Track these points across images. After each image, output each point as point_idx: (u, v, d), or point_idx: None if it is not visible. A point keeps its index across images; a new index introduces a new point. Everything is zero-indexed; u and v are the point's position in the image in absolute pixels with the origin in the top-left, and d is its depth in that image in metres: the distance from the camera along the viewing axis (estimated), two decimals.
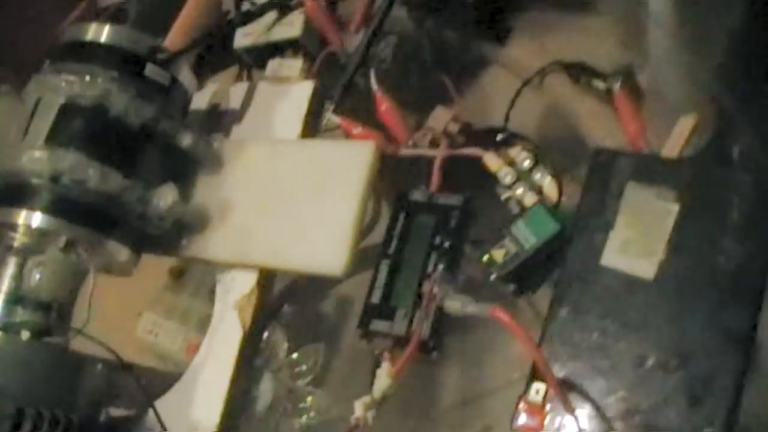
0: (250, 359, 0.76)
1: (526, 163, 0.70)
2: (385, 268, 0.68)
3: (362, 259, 0.70)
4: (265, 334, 0.79)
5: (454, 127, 0.74)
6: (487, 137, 0.73)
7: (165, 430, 0.68)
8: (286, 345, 0.79)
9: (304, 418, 0.75)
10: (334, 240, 0.70)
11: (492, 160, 0.71)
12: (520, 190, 0.70)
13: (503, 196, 0.71)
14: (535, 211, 0.65)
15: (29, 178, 0.69)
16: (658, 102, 0.74)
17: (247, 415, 0.76)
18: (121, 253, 0.72)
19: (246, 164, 0.78)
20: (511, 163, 0.71)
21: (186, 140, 0.76)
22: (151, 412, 0.73)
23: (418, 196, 0.71)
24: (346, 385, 0.74)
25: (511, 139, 0.72)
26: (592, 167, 0.60)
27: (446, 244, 0.68)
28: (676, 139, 0.65)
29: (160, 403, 0.74)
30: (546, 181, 0.69)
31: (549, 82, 0.75)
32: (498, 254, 0.64)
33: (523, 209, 0.69)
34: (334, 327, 0.79)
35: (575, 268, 0.57)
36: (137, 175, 0.72)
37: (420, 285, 0.67)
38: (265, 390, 0.77)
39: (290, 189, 0.75)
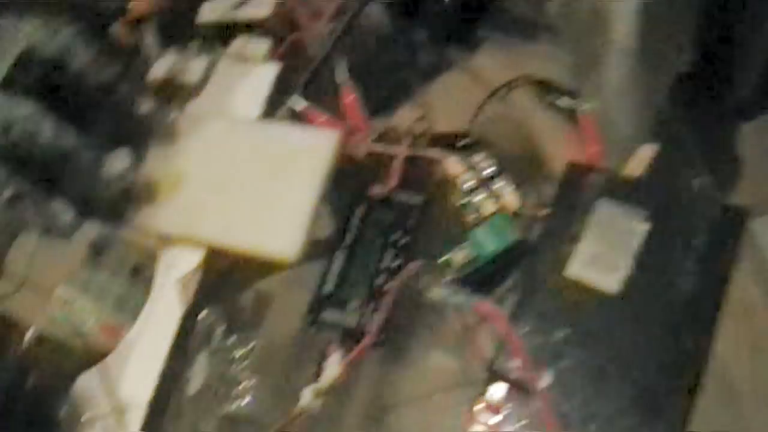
0: (185, 339, 0.74)
1: (488, 171, 0.71)
2: (340, 259, 0.68)
3: (312, 250, 0.69)
4: (202, 315, 0.77)
5: (418, 128, 0.75)
6: (449, 142, 0.74)
7: None
8: (222, 328, 0.78)
9: (236, 404, 0.73)
10: (288, 224, 0.69)
11: (453, 165, 0.72)
12: (478, 198, 0.70)
13: (460, 202, 0.71)
14: (497, 219, 0.66)
15: None
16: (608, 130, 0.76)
17: (178, 396, 0.74)
18: (66, 214, 0.69)
19: (202, 139, 0.76)
20: (473, 170, 0.72)
21: (144, 107, 0.73)
22: (77, 384, 0.71)
23: (377, 191, 0.72)
24: (283, 374, 0.72)
25: (475, 146, 0.73)
26: (563, 180, 0.62)
27: (402, 241, 0.68)
28: (638, 163, 0.68)
29: (89, 376, 0.72)
30: (507, 191, 0.70)
31: (515, 96, 0.76)
32: (457, 257, 0.64)
33: (479, 217, 0.70)
34: (274, 314, 0.77)
35: (540, 276, 0.58)
36: (92, 135, 0.70)
37: (373, 279, 0.67)
38: (198, 372, 0.75)
39: (247, 169, 0.73)
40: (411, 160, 0.74)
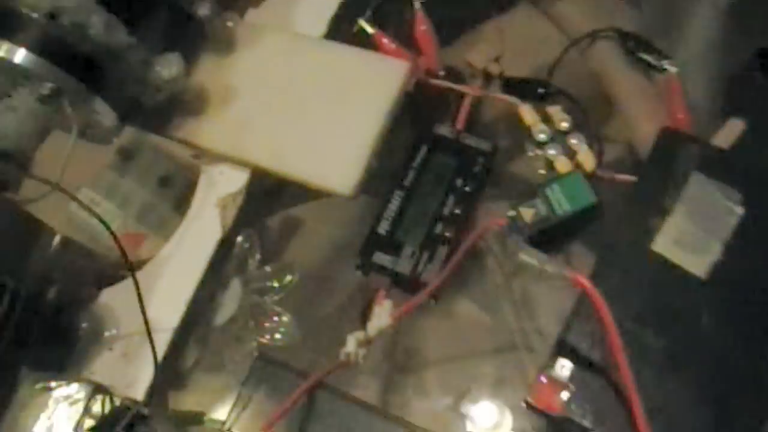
0: (220, 264, 0.70)
1: (564, 125, 0.66)
2: (398, 200, 0.63)
3: (369, 185, 0.64)
4: (240, 239, 0.72)
5: (494, 68, 0.70)
6: (524, 88, 0.68)
7: (146, 323, 0.60)
8: (258, 256, 0.73)
9: (267, 337, 0.69)
10: (346, 157, 0.64)
11: (528, 113, 0.67)
12: (552, 151, 0.66)
13: (532, 153, 0.67)
14: (573, 178, 0.61)
15: (22, 7, 0.60)
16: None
17: (207, 322, 0.70)
18: (108, 116, 0.64)
19: (261, 53, 0.70)
20: (547, 121, 0.67)
21: (202, 10, 0.68)
22: (101, 298, 0.67)
23: (444, 131, 0.67)
24: (317, 315, 0.69)
25: (553, 96, 0.67)
26: (656, 146, 0.57)
27: (467, 188, 0.64)
28: (725, 137, 0.62)
29: (114, 292, 0.68)
30: (582, 149, 0.65)
31: (598, 48, 0.70)
32: (526, 212, 0.60)
33: (552, 171, 0.65)
34: (317, 251, 0.73)
35: (622, 246, 0.53)
36: (143, 35, 0.64)
37: (431, 225, 0.62)
38: (231, 299, 0.71)
39: (305, 91, 0.68)
40: (482, 102, 0.69)
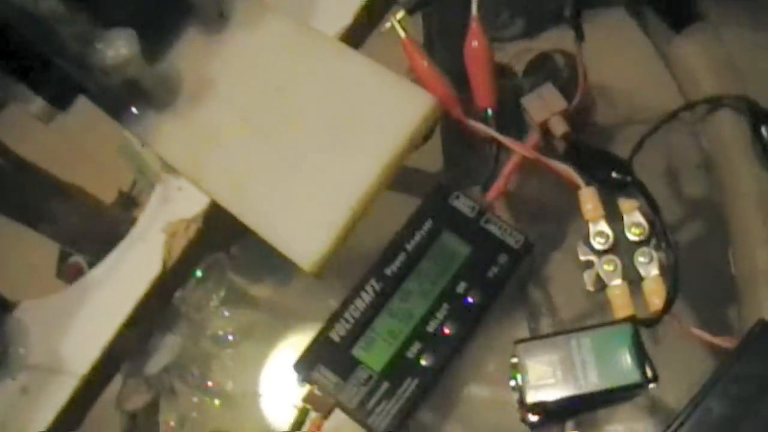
0: (158, 302, 0.55)
1: (636, 233, 0.45)
2: (370, 295, 0.45)
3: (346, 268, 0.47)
4: (198, 273, 0.57)
5: (558, 125, 0.49)
6: (596, 164, 0.47)
7: None
8: (222, 294, 0.58)
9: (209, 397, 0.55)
10: (320, 214, 0.47)
11: (590, 200, 0.47)
12: (608, 268, 0.45)
13: (582, 256, 0.46)
14: (622, 333, 0.41)
15: None
16: None
17: (134, 368, 0.56)
18: (33, 103, 0.49)
19: (257, 44, 0.52)
20: (613, 220, 0.46)
21: None
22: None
23: (461, 205, 0.47)
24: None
25: (630, 187, 0.46)
26: (751, 333, 0.36)
27: (470, 299, 0.45)
28: None
29: (35, 306, 0.54)
30: (652, 275, 0.44)
31: (716, 122, 0.48)
32: (534, 370, 0.40)
33: (600, 292, 0.46)
34: (291, 288, 0.57)
35: None
36: (89, 4, 0.48)
37: (406, 344, 0.44)
38: (169, 346, 0.56)
39: (295, 108, 0.50)
40: (526, 170, 0.49)
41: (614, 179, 0.47)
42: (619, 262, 0.45)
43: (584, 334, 0.40)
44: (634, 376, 0.39)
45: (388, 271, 0.46)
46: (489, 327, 0.45)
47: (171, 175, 0.55)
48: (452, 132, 0.54)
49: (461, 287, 0.45)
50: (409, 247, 0.46)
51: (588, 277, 0.46)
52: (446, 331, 0.45)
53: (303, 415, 0.45)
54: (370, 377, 0.44)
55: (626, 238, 0.46)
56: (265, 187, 0.49)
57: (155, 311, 0.55)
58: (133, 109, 0.53)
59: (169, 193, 0.55)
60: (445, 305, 0.45)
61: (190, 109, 0.52)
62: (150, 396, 0.58)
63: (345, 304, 0.45)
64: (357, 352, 0.44)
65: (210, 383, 0.57)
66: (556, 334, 0.41)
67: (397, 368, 0.44)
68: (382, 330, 0.45)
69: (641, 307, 0.44)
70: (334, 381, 0.44)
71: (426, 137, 0.49)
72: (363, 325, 0.45)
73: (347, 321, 0.45)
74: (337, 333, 0.45)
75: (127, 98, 0.53)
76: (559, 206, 0.50)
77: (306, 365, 0.44)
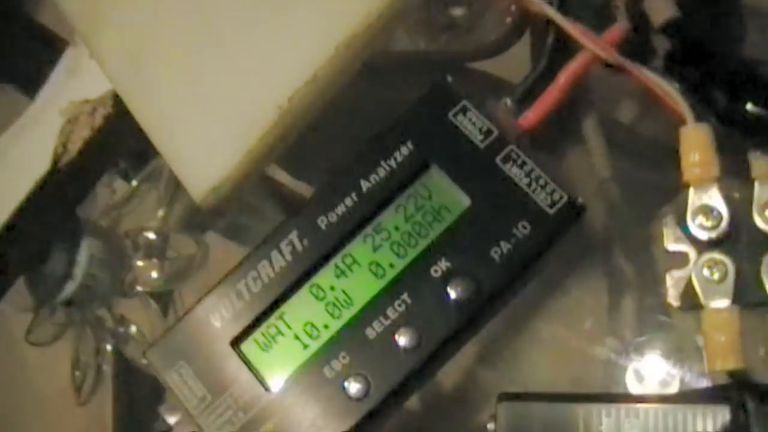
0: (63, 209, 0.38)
1: None
2: (285, 259, 0.27)
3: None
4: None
5: (661, 7, 0.27)
6: (720, 83, 0.26)
7: None
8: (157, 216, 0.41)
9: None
10: (231, 130, 0.28)
11: (700, 151, 0.26)
12: (712, 273, 0.25)
13: (669, 244, 0.26)
14: (709, 414, 0.20)
15: None
16: None
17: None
18: None
19: None
20: (733, 189, 0.25)
21: None
22: None
23: (468, 123, 0.27)
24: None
25: None
26: None
27: (449, 294, 0.26)
28: None
29: None
30: None
31: None
32: None
33: (688, 309, 0.25)
34: None
35: None
36: None
37: (327, 360, 0.26)
38: (80, 270, 0.40)
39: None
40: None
41: (751, 117, 0.25)
42: (731, 267, 0.25)
43: (628, 410, 0.20)
44: None
45: (322, 222, 0.27)
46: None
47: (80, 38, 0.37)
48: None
49: (441, 268, 0.26)
50: (366, 184, 0.27)
51: (673, 282, 0.26)
52: (400, 342, 0.26)
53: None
54: (258, 398, 0.26)
55: (753, 227, 0.25)
56: (168, 65, 0.30)
57: (49, 223, 0.38)
58: None
59: (80, 62, 0.37)
60: (407, 296, 0.26)
61: None
62: (58, 327, 0.43)
63: (241, 269, 0.27)
64: (247, 350, 0.26)
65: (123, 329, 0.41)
66: (573, 398, 0.21)
67: (305, 391, 0.26)
68: (294, 320, 0.26)
69: (757, 358, 0.23)
70: (199, 394, 0.26)
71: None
72: (265, 307, 0.26)
73: (240, 297, 0.27)
74: (221, 314, 0.26)
75: None
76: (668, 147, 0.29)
77: (163, 357, 0.27)
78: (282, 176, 0.38)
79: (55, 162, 0.37)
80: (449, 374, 0.34)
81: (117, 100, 0.36)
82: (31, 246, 0.39)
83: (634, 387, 0.30)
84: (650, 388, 0.30)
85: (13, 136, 0.39)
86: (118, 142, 0.37)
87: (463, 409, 0.34)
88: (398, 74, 0.37)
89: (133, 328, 0.42)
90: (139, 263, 0.42)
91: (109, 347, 0.43)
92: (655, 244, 0.27)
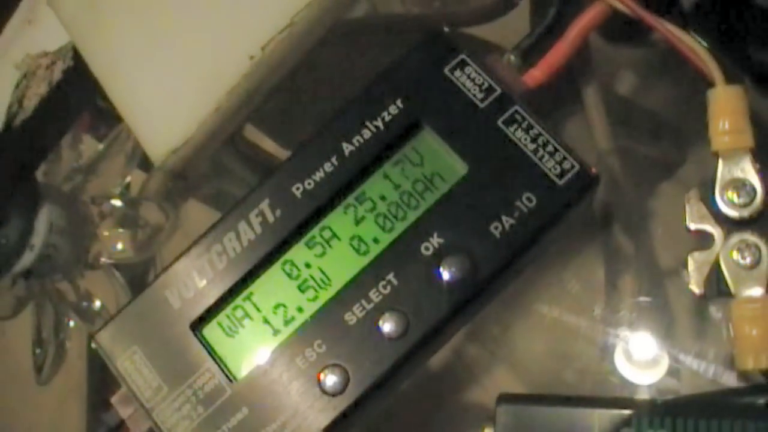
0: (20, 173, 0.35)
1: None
2: (254, 230, 0.23)
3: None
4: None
5: None
6: (757, 39, 0.23)
7: None
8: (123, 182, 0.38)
9: None
10: (194, 89, 0.25)
11: (731, 117, 0.22)
12: (743, 257, 0.21)
13: (692, 222, 0.23)
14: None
15: None
16: None
17: None
18: None
19: None
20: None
21: None
22: None
23: (466, 78, 0.24)
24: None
25: None
26: None
27: (441, 273, 0.22)
28: None
29: None
30: None
31: None
32: None
33: (714, 298, 0.22)
34: None
35: None
36: None
37: (302, 347, 0.22)
38: (39, 239, 0.37)
39: None
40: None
41: None
42: (765, 250, 0.21)
43: (648, 412, 0.17)
44: None
45: (297, 189, 0.23)
46: None
47: None
48: None
49: (433, 244, 0.23)
50: (348, 147, 0.24)
51: (697, 266, 0.23)
52: (384, 329, 0.22)
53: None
54: (221, 390, 0.22)
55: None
56: (130, 14, 0.27)
57: (2, 186, 0.35)
58: None
59: (37, 11, 0.34)
60: (393, 276, 0.23)
61: None
62: (17, 300, 0.40)
63: (203, 242, 0.23)
64: (210, 335, 0.23)
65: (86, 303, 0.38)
66: (578, 401, 0.18)
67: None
68: (263, 301, 0.23)
69: None
70: (154, 384, 0.23)
71: None
72: (230, 285, 0.23)
73: (202, 274, 0.23)
74: (180, 293, 0.23)
75: None
76: (669, 121, 0.26)
77: (114, 341, 0.23)
78: (268, 145, 0.35)
79: (9, 121, 0.33)
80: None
81: (78, 52, 0.32)
82: None
83: (622, 366, 0.27)
84: (639, 365, 0.28)
85: None
86: (79, 99, 0.34)
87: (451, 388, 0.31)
88: (391, 39, 0.34)
89: (98, 303, 0.39)
90: (105, 233, 0.38)
91: (71, 323, 0.40)
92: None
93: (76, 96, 0.34)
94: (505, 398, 0.20)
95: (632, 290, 0.29)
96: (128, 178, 0.39)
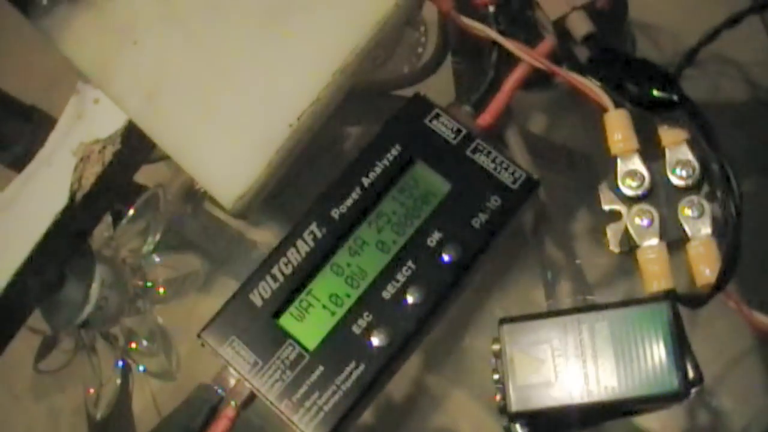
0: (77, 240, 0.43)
1: (682, 176, 0.32)
2: (308, 245, 0.33)
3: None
4: (131, 212, 0.46)
5: (579, 24, 0.36)
6: (631, 78, 0.34)
7: None
8: (156, 237, 0.47)
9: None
10: (252, 140, 0.34)
11: (621, 130, 0.34)
12: (642, 223, 0.32)
13: (606, 205, 0.34)
14: (657, 314, 0.28)
15: None
16: None
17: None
18: None
19: None
20: (652, 159, 0.33)
21: None
22: None
23: (442, 126, 0.34)
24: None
25: (677, 114, 0.33)
26: None
27: (444, 257, 0.32)
28: None
29: None
30: (702, 234, 0.31)
31: None
32: (521, 364, 0.28)
33: (626, 252, 0.33)
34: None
35: None
36: None
37: (353, 313, 0.32)
38: (89, 298, 0.45)
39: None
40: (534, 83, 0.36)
41: (655, 100, 0.33)
42: (656, 214, 0.32)
43: (599, 316, 0.28)
44: (670, 381, 0.26)
45: (335, 213, 0.33)
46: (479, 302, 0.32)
47: (88, 86, 0.43)
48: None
49: (434, 239, 0.33)
50: (366, 181, 0.34)
51: (612, 233, 0.33)
52: (409, 299, 0.32)
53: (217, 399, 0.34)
54: (301, 357, 0.32)
55: (668, 182, 0.33)
56: (184, 98, 0.37)
57: (65, 253, 0.44)
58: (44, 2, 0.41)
59: (85, 107, 0.43)
60: (410, 264, 0.33)
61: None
62: (67, 356, 0.48)
63: (273, 256, 0.33)
64: (285, 321, 0.33)
65: (134, 344, 0.46)
66: (557, 313, 0.28)
67: (339, 347, 0.32)
68: (321, 293, 0.33)
69: (683, 279, 0.31)
70: (251, 360, 0.32)
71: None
72: (296, 285, 0.33)
73: (275, 279, 0.33)
74: (260, 295, 0.33)
75: None
76: (581, 142, 0.37)
77: (216, 335, 0.32)
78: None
79: (72, 196, 0.42)
80: None
81: (124, 137, 0.42)
82: (50, 275, 0.44)
83: None
84: None
85: (28, 176, 0.43)
86: (126, 175, 0.43)
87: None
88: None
89: (144, 343, 0.47)
90: (139, 283, 0.47)
91: (120, 364, 0.48)
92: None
93: (123, 173, 0.43)
94: (505, 320, 0.30)
95: (568, 292, 0.38)
96: (158, 236, 0.48)
